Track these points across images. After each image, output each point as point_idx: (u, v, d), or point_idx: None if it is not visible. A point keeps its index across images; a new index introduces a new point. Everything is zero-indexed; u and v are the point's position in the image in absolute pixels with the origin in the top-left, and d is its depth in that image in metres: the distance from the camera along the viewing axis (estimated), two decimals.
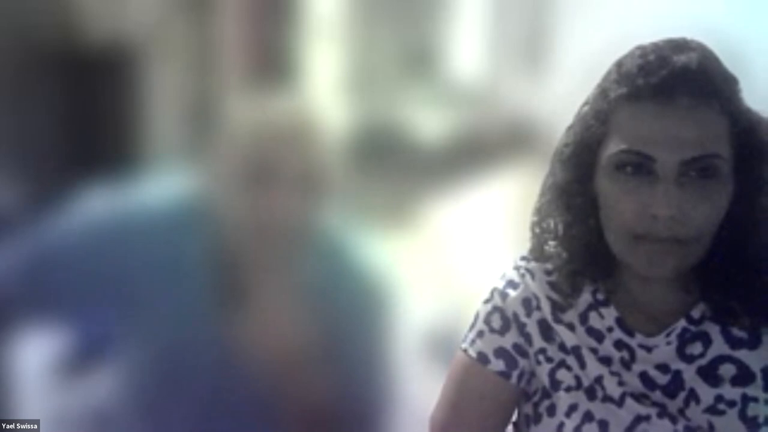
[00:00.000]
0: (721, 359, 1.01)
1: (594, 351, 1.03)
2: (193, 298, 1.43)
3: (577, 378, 1.03)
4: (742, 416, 0.99)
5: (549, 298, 1.06)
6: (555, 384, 1.04)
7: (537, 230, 1.08)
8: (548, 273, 1.07)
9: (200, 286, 1.44)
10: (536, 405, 1.06)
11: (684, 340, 1.02)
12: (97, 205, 1.45)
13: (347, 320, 1.49)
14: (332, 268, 1.48)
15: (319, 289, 1.46)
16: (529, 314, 1.07)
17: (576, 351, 1.04)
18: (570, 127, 1.04)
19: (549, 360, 1.05)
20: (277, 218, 1.38)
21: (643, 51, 0.97)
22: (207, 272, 1.43)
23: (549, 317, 1.06)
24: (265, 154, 1.38)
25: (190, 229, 1.44)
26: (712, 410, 1.00)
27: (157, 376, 1.46)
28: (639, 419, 1.00)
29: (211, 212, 1.43)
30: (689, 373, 1.01)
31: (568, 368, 1.04)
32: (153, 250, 1.43)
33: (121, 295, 1.44)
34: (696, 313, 1.03)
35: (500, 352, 1.07)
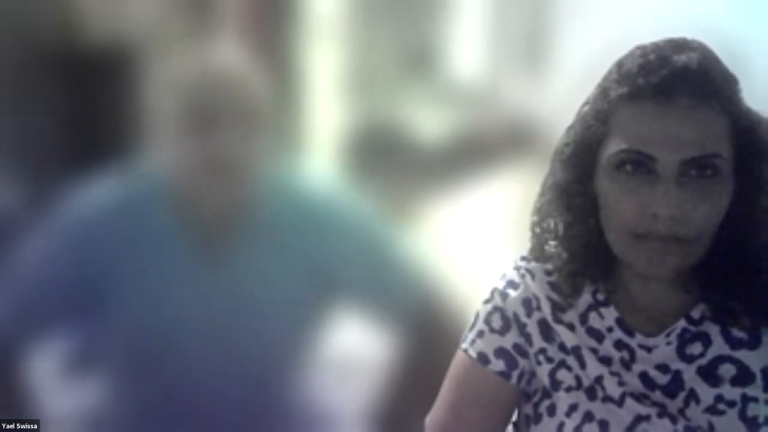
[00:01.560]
0: (721, 359, 1.01)
1: (594, 351, 1.04)
2: (173, 260, 1.46)
3: (578, 378, 1.03)
4: (742, 416, 0.99)
5: (549, 299, 1.06)
6: (555, 384, 1.05)
7: (537, 230, 1.08)
8: (548, 273, 1.07)
9: (177, 245, 1.46)
10: (536, 405, 1.06)
11: (684, 340, 1.02)
12: (65, 213, 1.47)
13: (316, 255, 1.51)
14: (297, 208, 1.50)
15: (286, 229, 1.48)
16: (529, 314, 1.07)
17: (576, 351, 1.04)
18: (570, 127, 1.04)
19: (549, 360, 1.05)
20: (222, 158, 1.40)
21: (643, 51, 0.97)
22: (179, 230, 1.46)
23: (549, 317, 1.06)
24: (203, 101, 1.40)
25: (153, 200, 1.46)
26: (712, 410, 1.00)
27: (151, 333, 1.48)
28: (639, 419, 1.00)
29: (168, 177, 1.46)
30: (689, 373, 1.01)
31: (569, 368, 1.04)
32: (129, 231, 1.46)
33: (111, 289, 1.46)
34: (696, 314, 1.03)
35: (500, 353, 1.07)
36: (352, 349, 1.64)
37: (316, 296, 1.52)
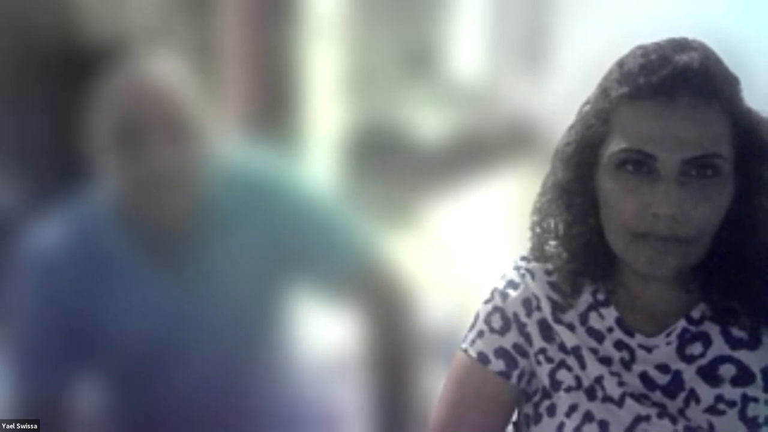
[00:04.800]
0: (721, 359, 1.01)
1: (594, 351, 1.04)
2: (142, 277, 1.46)
3: (577, 378, 1.03)
4: (742, 416, 0.99)
5: (549, 299, 1.06)
6: (555, 384, 1.05)
7: (537, 230, 1.07)
8: (548, 273, 1.07)
9: (140, 263, 1.46)
10: (536, 405, 1.06)
11: (684, 340, 1.02)
12: (32, 266, 1.47)
13: (294, 243, 1.50)
14: (244, 192, 1.49)
15: (241, 215, 1.48)
16: (529, 314, 1.07)
17: (576, 351, 1.04)
18: (571, 127, 1.04)
19: (549, 360, 1.05)
20: (160, 170, 1.40)
21: (644, 50, 0.97)
22: (139, 248, 1.46)
23: (549, 317, 1.06)
24: (130, 115, 1.40)
25: (107, 224, 1.46)
26: (712, 410, 1.00)
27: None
28: (639, 419, 1.00)
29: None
30: (689, 373, 1.01)
31: (569, 368, 1.04)
32: (94, 261, 1.46)
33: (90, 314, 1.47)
34: (696, 314, 1.03)
35: (500, 352, 1.07)
36: (328, 343, 1.63)
37: (283, 276, 1.51)
